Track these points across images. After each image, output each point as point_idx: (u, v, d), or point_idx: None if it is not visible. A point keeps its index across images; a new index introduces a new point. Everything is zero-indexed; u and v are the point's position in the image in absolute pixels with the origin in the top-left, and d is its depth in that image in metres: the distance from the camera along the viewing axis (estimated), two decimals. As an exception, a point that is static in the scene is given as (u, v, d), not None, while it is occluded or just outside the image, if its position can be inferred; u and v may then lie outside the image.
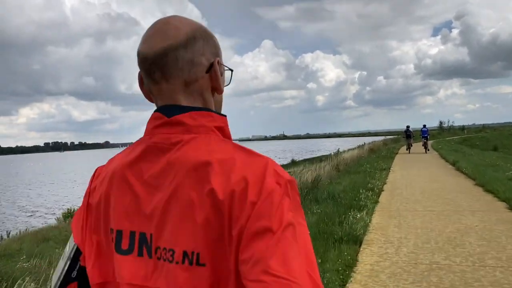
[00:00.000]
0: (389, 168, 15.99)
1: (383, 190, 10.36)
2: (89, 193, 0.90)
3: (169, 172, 0.77)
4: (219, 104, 0.90)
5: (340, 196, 8.95)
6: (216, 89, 0.86)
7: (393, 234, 6.05)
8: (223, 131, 0.84)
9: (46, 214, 18.55)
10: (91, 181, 0.92)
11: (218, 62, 0.85)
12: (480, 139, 42.44)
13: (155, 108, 0.86)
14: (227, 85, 0.91)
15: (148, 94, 0.88)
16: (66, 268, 0.91)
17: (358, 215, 7.02)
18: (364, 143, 33.58)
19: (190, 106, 0.82)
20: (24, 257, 6.66)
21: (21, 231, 12.07)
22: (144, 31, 0.86)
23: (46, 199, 25.61)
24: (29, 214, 19.50)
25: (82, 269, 0.90)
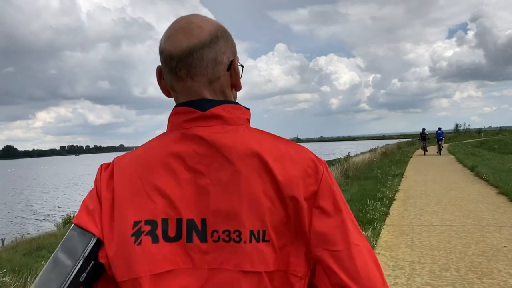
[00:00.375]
0: (402, 174, 14.88)
1: (394, 199, 9.34)
2: (106, 184, 0.84)
3: (221, 160, 0.79)
4: (235, 100, 0.92)
5: (345, 207, 7.97)
6: (236, 86, 0.90)
7: (404, 256, 5.08)
8: (249, 123, 0.88)
9: (61, 217, 18.08)
10: (110, 172, 0.86)
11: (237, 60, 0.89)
12: (498, 142, 41.13)
13: (167, 108, 0.94)
14: None
15: (166, 89, 0.90)
16: (76, 269, 0.79)
17: (364, 233, 6.03)
18: (377, 146, 32.35)
19: (218, 99, 0.85)
20: (5, 270, 6.10)
21: (17, 238, 11.74)
22: (159, 35, 0.90)
23: (60, 202, 25.30)
24: (42, 218, 19.24)
25: (93, 271, 0.81)
